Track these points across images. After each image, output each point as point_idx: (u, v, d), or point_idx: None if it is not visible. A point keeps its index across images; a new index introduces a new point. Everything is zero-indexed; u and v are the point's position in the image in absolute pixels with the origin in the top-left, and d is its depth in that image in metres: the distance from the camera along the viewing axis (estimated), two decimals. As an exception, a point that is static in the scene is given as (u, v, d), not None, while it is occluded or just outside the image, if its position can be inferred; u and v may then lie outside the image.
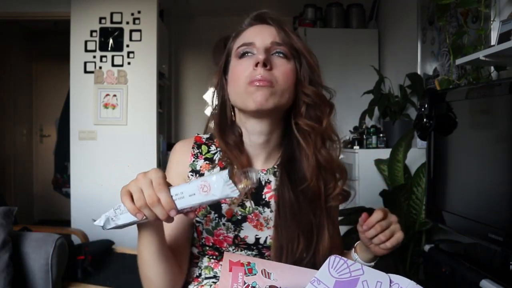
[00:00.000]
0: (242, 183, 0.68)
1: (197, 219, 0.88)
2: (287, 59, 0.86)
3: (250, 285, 0.71)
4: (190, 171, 0.91)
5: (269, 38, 0.86)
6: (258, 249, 0.88)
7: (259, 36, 0.86)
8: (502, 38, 1.35)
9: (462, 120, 1.38)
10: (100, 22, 3.30)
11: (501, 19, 1.52)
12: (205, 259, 0.90)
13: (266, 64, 0.82)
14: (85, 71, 3.30)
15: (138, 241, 0.78)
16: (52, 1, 3.41)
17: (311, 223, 0.85)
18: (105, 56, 3.29)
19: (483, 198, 1.26)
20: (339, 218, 0.94)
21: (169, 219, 0.68)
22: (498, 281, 1.12)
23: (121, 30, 3.29)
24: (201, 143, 0.95)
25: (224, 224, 0.87)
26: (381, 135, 2.57)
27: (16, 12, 3.48)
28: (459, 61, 1.58)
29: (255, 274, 0.73)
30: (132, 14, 3.30)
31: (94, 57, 3.30)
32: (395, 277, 0.69)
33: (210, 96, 0.98)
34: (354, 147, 2.57)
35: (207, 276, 0.89)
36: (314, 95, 0.87)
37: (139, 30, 3.30)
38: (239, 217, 0.87)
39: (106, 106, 3.29)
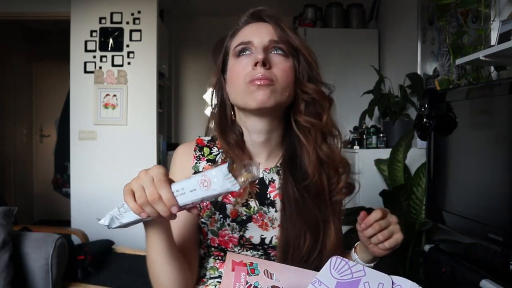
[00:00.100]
0: (242, 177, 0.67)
1: (202, 220, 0.88)
2: (286, 56, 0.86)
3: (253, 285, 0.71)
4: (193, 173, 0.91)
5: (267, 36, 0.86)
6: (264, 249, 0.88)
7: (257, 35, 0.86)
8: (502, 38, 1.35)
9: (462, 120, 1.38)
10: (100, 22, 3.30)
11: (501, 19, 1.52)
12: (211, 260, 0.90)
13: (265, 63, 0.82)
14: (85, 71, 3.30)
15: (146, 242, 0.77)
16: (52, 1, 3.41)
17: (316, 218, 0.85)
18: (105, 56, 3.30)
19: (483, 198, 1.26)
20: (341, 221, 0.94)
21: (172, 215, 0.68)
22: (498, 281, 1.12)
23: (121, 30, 3.29)
24: (202, 146, 0.95)
25: (229, 225, 0.87)
26: (381, 135, 2.57)
27: (16, 12, 3.48)
28: (459, 61, 1.58)
29: (258, 274, 0.73)
30: (132, 14, 3.31)
31: (94, 57, 3.30)
32: (397, 279, 0.69)
33: (209, 96, 0.98)
34: (354, 147, 2.57)
35: (212, 276, 0.89)
36: (313, 92, 0.87)
37: (139, 30, 3.30)
38: (244, 218, 0.87)
39: (106, 106, 3.29)
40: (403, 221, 2.00)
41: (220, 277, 0.88)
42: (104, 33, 3.30)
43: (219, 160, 0.92)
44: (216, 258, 0.90)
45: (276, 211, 0.88)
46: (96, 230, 2.76)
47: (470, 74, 1.79)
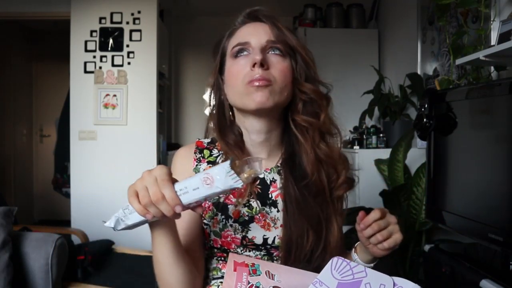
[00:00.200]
0: (245, 173, 0.67)
1: (205, 221, 0.88)
2: (283, 56, 0.86)
3: (254, 285, 0.71)
4: None
5: (264, 36, 0.86)
6: (267, 249, 0.88)
7: (254, 35, 0.86)
8: (502, 38, 1.35)
9: (462, 120, 1.38)
10: (100, 22, 3.30)
11: (501, 19, 1.52)
12: (214, 261, 0.90)
13: (263, 64, 0.82)
14: (85, 71, 3.30)
15: (152, 244, 0.76)
16: (52, 1, 3.41)
17: (318, 216, 0.86)
18: (105, 56, 3.29)
19: (483, 198, 1.26)
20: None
21: (176, 215, 0.68)
22: (498, 281, 1.12)
23: (121, 30, 3.29)
24: (202, 148, 0.95)
25: (231, 225, 0.87)
26: (381, 135, 2.57)
27: (16, 12, 3.48)
28: (459, 61, 1.58)
29: (259, 275, 0.73)
30: (132, 14, 3.30)
31: (94, 57, 3.30)
32: (399, 280, 0.69)
33: (207, 97, 0.98)
34: (354, 147, 2.57)
35: (214, 276, 0.89)
36: (311, 91, 0.87)
37: (139, 30, 3.30)
38: (246, 218, 0.87)
39: (106, 106, 3.29)
40: (403, 221, 2.00)
41: (222, 277, 0.88)
42: (104, 33, 3.30)
43: (220, 162, 0.92)
44: (219, 259, 0.90)
45: (278, 211, 0.88)
46: (96, 230, 2.76)
47: (470, 74, 1.79)
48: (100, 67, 3.29)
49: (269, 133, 0.90)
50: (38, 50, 5.10)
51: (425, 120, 1.48)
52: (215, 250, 0.89)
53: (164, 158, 3.59)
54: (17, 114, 4.79)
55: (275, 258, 0.88)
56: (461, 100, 1.38)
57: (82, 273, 2.08)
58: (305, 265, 0.84)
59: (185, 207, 0.67)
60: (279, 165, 0.91)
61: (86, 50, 3.30)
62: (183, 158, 0.95)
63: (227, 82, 0.89)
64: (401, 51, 2.91)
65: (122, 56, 3.29)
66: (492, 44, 1.48)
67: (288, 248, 0.84)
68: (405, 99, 2.57)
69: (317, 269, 0.80)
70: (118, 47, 3.29)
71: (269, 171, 0.91)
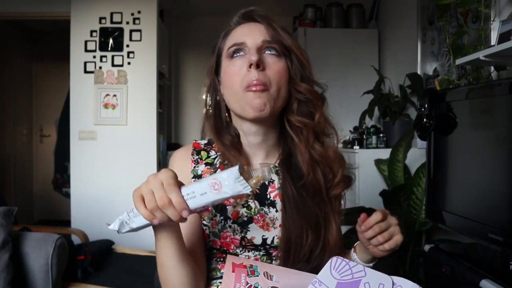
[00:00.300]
0: (254, 179, 0.66)
1: (204, 222, 0.88)
2: (279, 56, 0.86)
3: (253, 286, 0.71)
4: (192, 177, 0.91)
5: (259, 37, 0.86)
6: (266, 249, 0.88)
7: (250, 35, 0.86)
8: (502, 38, 1.35)
9: (462, 120, 1.38)
10: (100, 22, 3.30)
11: (501, 19, 1.52)
12: (213, 261, 0.90)
13: (259, 65, 0.82)
14: (85, 71, 3.30)
15: (156, 246, 0.76)
16: (52, 1, 3.41)
17: (317, 216, 0.86)
18: (105, 56, 3.29)
19: (483, 198, 1.26)
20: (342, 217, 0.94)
21: (182, 219, 0.67)
22: (498, 281, 1.12)
23: (121, 30, 3.29)
24: (199, 149, 0.95)
25: (230, 226, 0.86)
26: (381, 135, 2.57)
27: (16, 12, 3.48)
28: (459, 61, 1.58)
29: (258, 276, 0.73)
30: (132, 14, 3.30)
31: (94, 57, 3.30)
32: (398, 279, 0.69)
33: (204, 97, 0.97)
34: (354, 147, 2.57)
35: (214, 277, 0.89)
36: (307, 91, 0.87)
37: (139, 30, 3.30)
38: (245, 219, 0.87)
39: (106, 106, 3.29)
40: (403, 222, 2.00)
41: (222, 277, 0.88)
42: (104, 33, 3.30)
43: (218, 163, 0.91)
44: (218, 259, 0.90)
45: (276, 211, 0.88)
46: (96, 230, 2.76)
47: (470, 74, 1.79)
48: (100, 67, 3.29)
49: (266, 135, 0.90)
50: (38, 50, 5.10)
51: (425, 120, 1.48)
52: (215, 251, 0.89)
53: (164, 158, 3.59)
54: (17, 114, 4.79)
55: (274, 258, 0.88)
56: (461, 100, 1.38)
57: (82, 273, 2.09)
58: (304, 265, 0.84)
59: (192, 212, 0.67)
60: (277, 165, 0.91)
61: (86, 50, 3.30)
62: (180, 160, 0.94)
63: (224, 83, 0.89)
64: (401, 51, 2.91)
65: (122, 56, 3.29)
66: (492, 44, 1.48)
67: (287, 248, 0.84)
68: (405, 99, 2.57)
69: (316, 269, 0.81)
70: (118, 47, 3.29)
71: None
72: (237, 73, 0.84)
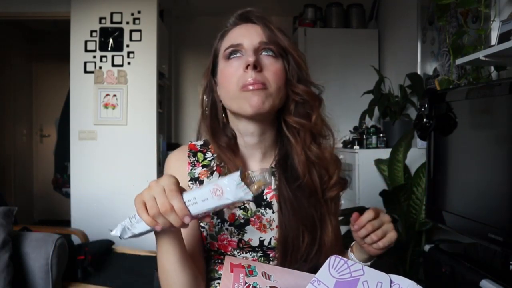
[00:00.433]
0: (255, 184, 0.67)
1: (201, 224, 0.88)
2: (275, 58, 0.86)
3: (251, 285, 0.71)
4: (189, 180, 0.91)
5: (256, 38, 0.85)
6: (263, 250, 0.88)
7: (247, 37, 0.86)
8: (502, 38, 1.35)
9: (462, 120, 1.38)
10: (100, 22, 3.30)
11: (501, 19, 1.52)
12: (211, 263, 0.90)
13: (256, 66, 0.82)
14: (85, 71, 3.30)
15: (157, 251, 0.76)
16: (52, 1, 3.41)
17: (313, 217, 0.86)
18: (105, 56, 3.30)
19: (483, 198, 1.26)
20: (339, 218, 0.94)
21: (184, 225, 0.67)
22: (498, 281, 1.11)
23: (121, 30, 3.29)
24: (196, 151, 0.94)
25: (227, 229, 0.87)
26: (381, 135, 2.57)
27: (16, 12, 3.48)
28: (459, 61, 1.58)
29: (256, 276, 0.74)
30: (132, 14, 3.31)
31: (94, 57, 3.30)
32: (396, 278, 0.69)
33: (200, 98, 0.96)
34: (354, 147, 2.57)
35: (212, 278, 0.89)
36: (304, 93, 0.87)
37: (139, 30, 3.30)
38: (242, 221, 0.87)
39: (106, 106, 3.29)
40: (403, 220, 2.00)
41: (220, 278, 0.88)
42: (104, 33, 3.30)
43: (214, 165, 0.91)
44: (216, 261, 0.90)
45: (273, 212, 0.88)
46: (96, 230, 2.76)
47: (470, 74, 1.79)
48: (100, 67, 3.29)
49: (262, 135, 0.90)
50: (38, 50, 5.10)
51: (425, 120, 1.48)
52: (212, 253, 0.89)
53: (164, 158, 3.59)
54: (17, 114, 4.79)
55: (272, 259, 0.88)
56: (461, 100, 1.38)
57: (82, 273, 2.09)
58: (301, 265, 0.84)
59: (193, 218, 0.67)
60: (273, 166, 0.91)
61: (86, 50, 3.30)
62: (176, 162, 0.94)
63: (221, 84, 0.89)
64: (401, 51, 2.91)
65: (122, 56, 3.29)
66: (492, 44, 1.48)
67: (284, 249, 0.84)
68: (405, 99, 2.57)
69: (313, 269, 0.81)
70: (118, 47, 3.30)
71: None
72: (233, 74, 0.84)
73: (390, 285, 0.68)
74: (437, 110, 1.48)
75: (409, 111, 2.64)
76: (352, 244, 0.91)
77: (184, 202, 0.66)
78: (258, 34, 0.86)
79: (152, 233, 0.74)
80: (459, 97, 1.39)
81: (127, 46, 3.30)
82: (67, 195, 3.75)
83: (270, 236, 0.87)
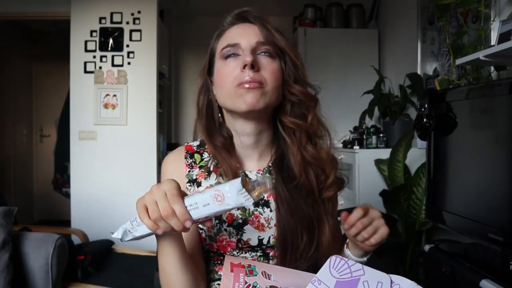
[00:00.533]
0: (256, 191, 0.67)
1: (200, 226, 0.88)
2: (273, 58, 0.86)
3: (252, 285, 0.71)
4: (187, 182, 0.91)
5: (254, 38, 0.85)
6: (262, 249, 0.88)
7: (244, 36, 0.86)
8: (502, 38, 1.35)
9: (462, 120, 1.38)
10: (100, 22, 3.30)
11: (501, 19, 1.52)
12: (211, 264, 0.90)
13: (254, 65, 0.82)
14: (85, 71, 3.30)
15: (158, 254, 0.77)
16: (52, 1, 3.41)
17: (310, 217, 0.86)
18: (105, 56, 3.30)
19: (483, 198, 1.26)
20: (339, 218, 0.94)
21: (185, 229, 0.68)
22: (498, 281, 1.11)
23: (121, 30, 3.29)
24: (193, 152, 0.94)
25: (225, 230, 0.87)
26: (381, 135, 2.57)
27: (16, 12, 3.48)
28: (459, 61, 1.58)
29: (256, 275, 0.74)
30: (132, 14, 3.31)
31: (94, 57, 3.30)
32: (396, 278, 0.69)
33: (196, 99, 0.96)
34: (354, 147, 2.57)
35: (212, 279, 0.89)
36: (300, 93, 0.87)
37: (139, 30, 3.30)
38: (240, 221, 0.87)
39: (106, 106, 3.29)
40: (403, 220, 2.00)
41: (219, 279, 0.88)
42: (104, 33, 3.30)
43: (211, 166, 0.91)
44: (216, 262, 0.90)
45: (271, 210, 0.88)
46: (96, 230, 2.77)
47: (470, 74, 1.79)
48: (100, 67, 3.29)
49: (259, 135, 0.90)
50: (38, 50, 5.10)
51: (425, 120, 1.48)
52: (212, 254, 0.89)
53: (164, 158, 3.58)
54: (17, 114, 4.79)
55: (271, 258, 0.88)
56: (461, 100, 1.38)
57: (82, 273, 2.09)
58: (300, 263, 0.84)
59: (194, 222, 0.68)
60: (270, 165, 0.91)
61: (86, 50, 3.30)
62: (172, 164, 0.94)
63: (217, 83, 0.88)
64: (401, 51, 2.91)
65: (122, 56, 3.29)
66: (492, 44, 1.48)
67: (283, 247, 0.84)
68: (405, 99, 2.57)
69: (311, 268, 0.81)
70: (118, 47, 3.30)
71: (261, 172, 0.91)
72: (230, 73, 0.84)
73: (391, 285, 0.68)
74: (437, 110, 1.48)
75: (409, 111, 2.64)
76: (347, 241, 0.91)
77: (186, 207, 0.66)
78: (255, 34, 0.86)
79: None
80: (459, 97, 1.39)
81: (127, 46, 3.30)
82: (67, 195, 3.75)
83: (269, 234, 0.87)
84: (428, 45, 2.44)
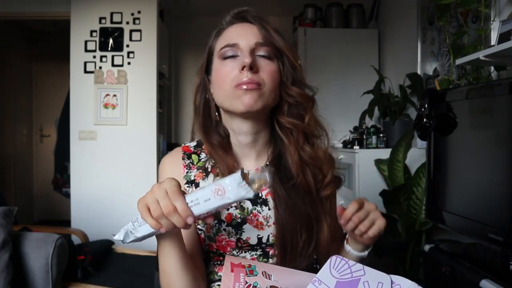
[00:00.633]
0: (256, 183, 0.68)
1: (199, 227, 0.88)
2: (271, 59, 0.86)
3: (252, 285, 0.71)
4: (185, 183, 0.91)
5: (252, 38, 0.85)
6: (262, 248, 0.88)
7: (243, 37, 0.85)
8: (502, 38, 1.35)
9: (462, 120, 1.38)
10: (100, 22, 3.30)
11: (501, 19, 1.52)
12: (210, 265, 0.91)
13: (252, 67, 0.82)
14: (85, 71, 3.30)
15: (158, 254, 0.77)
16: (52, 1, 3.41)
17: (309, 215, 0.86)
18: (105, 56, 3.30)
19: (483, 198, 1.26)
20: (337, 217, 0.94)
21: (187, 226, 0.68)
22: (498, 281, 1.11)
23: (121, 30, 3.29)
24: (190, 153, 0.94)
25: (225, 230, 0.87)
26: (381, 135, 2.57)
27: (16, 12, 3.48)
28: (459, 61, 1.58)
29: (256, 275, 0.74)
30: (132, 14, 3.31)
31: (94, 57, 3.30)
32: (396, 278, 0.69)
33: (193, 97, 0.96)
34: (354, 147, 2.57)
35: (212, 280, 0.89)
36: (298, 95, 0.87)
37: (139, 30, 3.30)
38: (239, 220, 0.87)
39: (106, 106, 3.29)
40: (403, 220, 2.00)
41: (220, 280, 0.88)
42: (104, 33, 3.30)
43: (209, 167, 0.91)
44: (215, 263, 0.90)
45: (269, 209, 0.88)
46: (96, 230, 2.77)
47: (470, 74, 1.79)
48: (100, 67, 3.29)
49: (256, 134, 0.90)
50: (38, 50, 5.10)
51: (425, 120, 1.48)
52: (211, 254, 0.89)
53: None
54: (17, 114, 4.79)
55: (271, 257, 0.88)
56: (461, 100, 1.38)
57: (82, 273, 2.09)
58: (301, 261, 0.85)
59: (196, 218, 0.68)
60: (267, 163, 0.91)
61: (86, 50, 3.30)
62: (170, 165, 0.94)
63: (215, 83, 0.88)
64: (401, 51, 2.91)
65: (122, 56, 3.29)
66: (492, 44, 1.48)
67: (283, 245, 0.85)
68: (405, 99, 2.57)
69: (310, 266, 0.82)
70: (118, 47, 3.30)
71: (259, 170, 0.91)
72: (228, 74, 0.84)
73: (391, 286, 0.68)
74: (437, 110, 1.48)
75: (409, 111, 2.64)
76: (347, 236, 0.91)
77: (187, 203, 0.67)
78: (254, 34, 0.86)
79: None
80: (459, 97, 1.39)
81: (127, 46, 3.30)
82: (67, 195, 3.75)
83: (268, 233, 0.87)
84: (428, 45, 2.44)
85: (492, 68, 1.67)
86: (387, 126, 2.62)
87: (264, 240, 0.87)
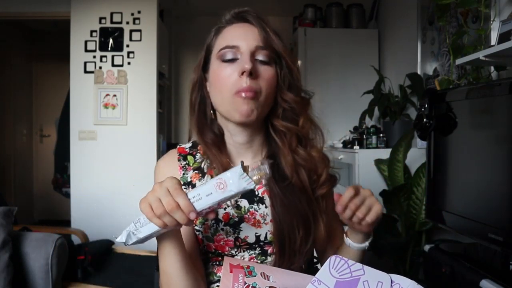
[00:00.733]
0: (257, 175, 0.69)
1: (196, 227, 0.88)
2: (269, 64, 0.86)
3: (251, 286, 0.71)
4: (182, 185, 0.91)
5: (253, 41, 0.85)
6: (260, 246, 0.88)
7: (244, 39, 0.85)
8: (502, 38, 1.35)
9: (462, 120, 1.38)
10: (100, 22, 3.30)
11: (501, 19, 1.52)
12: (209, 265, 0.91)
13: (252, 73, 0.82)
14: (85, 71, 3.30)
15: (159, 254, 0.77)
16: (52, 1, 3.41)
17: (305, 213, 0.86)
18: (105, 56, 3.30)
19: (483, 198, 1.26)
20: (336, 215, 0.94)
21: (190, 222, 0.69)
22: (498, 281, 1.11)
23: (121, 30, 3.29)
24: (185, 154, 0.94)
25: (222, 229, 0.87)
26: (381, 135, 2.57)
27: (16, 12, 3.48)
28: (459, 61, 1.58)
29: (255, 276, 0.74)
30: (132, 14, 3.31)
31: (94, 57, 3.30)
32: (396, 277, 0.69)
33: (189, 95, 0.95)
34: (354, 147, 2.57)
35: (211, 281, 0.89)
36: (293, 101, 0.88)
37: (139, 30, 3.30)
38: (236, 219, 0.87)
39: (106, 106, 3.29)
40: (403, 220, 2.00)
41: (219, 281, 0.88)
42: (104, 33, 3.30)
43: (205, 168, 0.91)
44: (214, 263, 0.90)
45: (266, 207, 0.88)
46: (96, 230, 2.77)
47: (470, 74, 1.79)
48: (100, 67, 3.29)
49: (252, 136, 0.90)
50: (38, 50, 5.10)
51: (425, 120, 1.48)
52: (210, 255, 0.89)
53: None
54: (17, 114, 4.79)
55: (269, 255, 0.88)
56: (461, 100, 1.38)
57: (82, 273, 2.09)
58: (299, 258, 0.85)
59: (199, 214, 0.69)
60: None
61: (86, 50, 3.30)
62: (165, 168, 0.93)
63: (213, 84, 0.88)
64: (401, 51, 2.91)
65: (122, 56, 3.29)
66: (492, 44, 1.48)
67: (281, 242, 0.85)
68: (405, 99, 2.56)
69: (307, 263, 0.82)
70: (118, 47, 3.30)
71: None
72: (227, 78, 0.84)
73: (391, 285, 0.68)
74: (437, 110, 1.48)
75: (409, 111, 2.64)
76: (346, 230, 0.91)
77: (189, 199, 0.67)
78: (254, 37, 0.86)
79: None
80: (459, 97, 1.39)
81: (127, 46, 3.30)
82: (67, 195, 3.75)
83: (266, 230, 0.87)
84: (428, 45, 2.44)
85: (492, 68, 1.67)
86: (387, 126, 2.62)
87: (262, 238, 0.87)
